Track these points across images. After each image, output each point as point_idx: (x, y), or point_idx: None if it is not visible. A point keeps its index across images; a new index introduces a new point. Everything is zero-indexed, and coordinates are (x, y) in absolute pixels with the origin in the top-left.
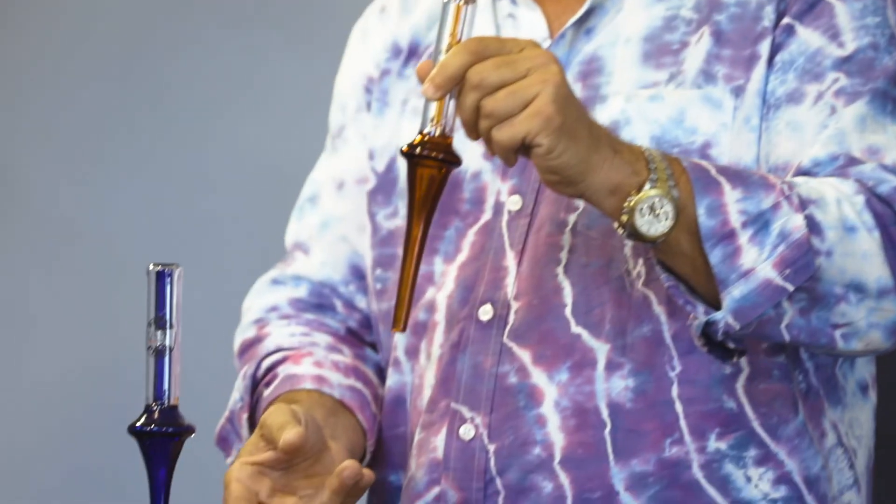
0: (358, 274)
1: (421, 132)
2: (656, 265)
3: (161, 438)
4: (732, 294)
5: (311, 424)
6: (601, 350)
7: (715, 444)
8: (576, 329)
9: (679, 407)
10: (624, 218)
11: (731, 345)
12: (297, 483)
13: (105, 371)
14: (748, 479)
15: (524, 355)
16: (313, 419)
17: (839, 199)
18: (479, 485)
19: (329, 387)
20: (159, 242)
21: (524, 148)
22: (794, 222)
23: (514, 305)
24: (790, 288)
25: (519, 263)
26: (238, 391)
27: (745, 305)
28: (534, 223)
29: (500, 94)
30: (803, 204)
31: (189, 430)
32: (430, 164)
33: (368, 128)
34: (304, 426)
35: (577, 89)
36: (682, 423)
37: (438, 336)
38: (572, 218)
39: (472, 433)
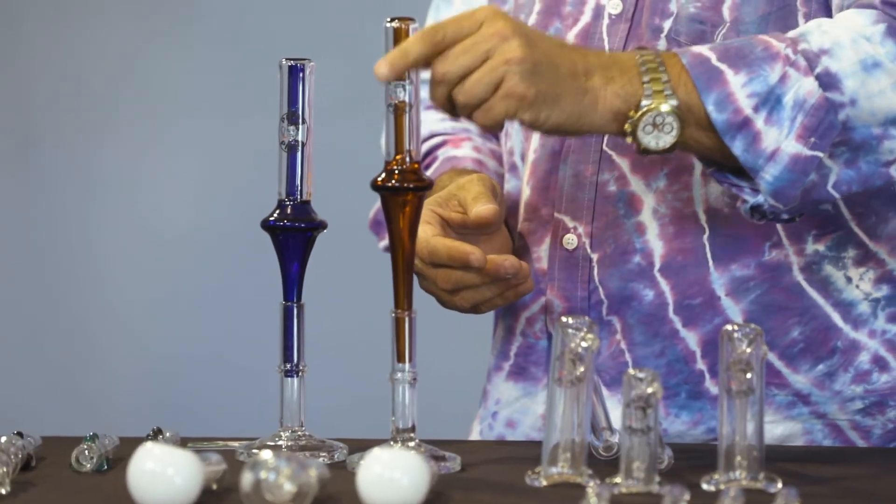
0: None
1: (387, 162)
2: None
3: (294, 233)
4: (765, 178)
5: (502, 203)
6: None
7: (813, 245)
8: None
9: None
10: (629, 140)
11: (786, 216)
12: None
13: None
14: (849, 280)
15: (623, 163)
16: (503, 199)
17: (854, 39)
18: (583, 294)
19: (487, 171)
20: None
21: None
22: (806, 87)
23: None
24: (820, 154)
25: None
26: None
27: (782, 185)
28: (633, 29)
29: (467, 84)
30: (812, 61)
31: (321, 225)
32: (403, 194)
33: None
34: (500, 204)
35: None
36: (779, 226)
37: (534, 141)
38: (667, 24)
39: (574, 243)
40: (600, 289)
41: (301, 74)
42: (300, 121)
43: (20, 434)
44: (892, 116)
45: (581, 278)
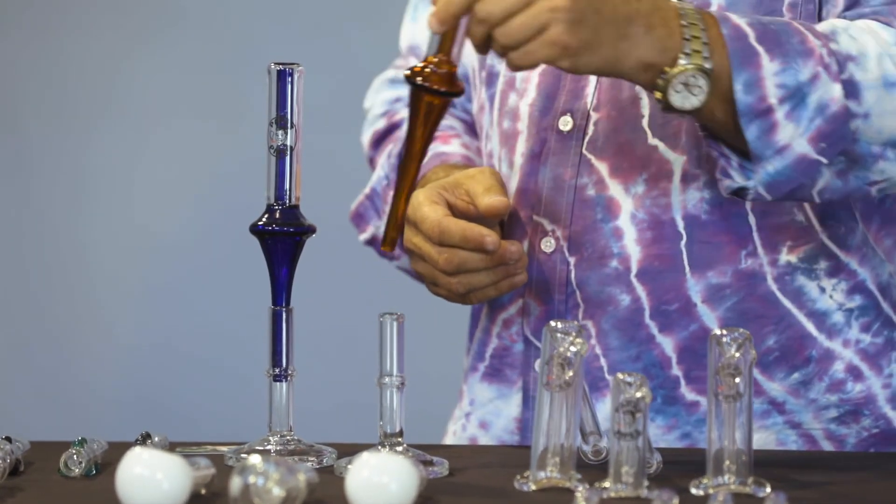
0: (467, 81)
1: (426, 58)
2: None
3: (283, 238)
4: (767, 169)
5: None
6: (677, 162)
7: (786, 256)
8: (652, 140)
9: (752, 219)
10: (658, 94)
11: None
12: None
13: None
14: (822, 290)
15: (602, 167)
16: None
17: (881, 54)
18: (560, 297)
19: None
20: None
21: None
22: (832, 93)
23: (594, 116)
24: (825, 161)
25: None
26: (382, 170)
27: (780, 180)
28: None
29: (510, 26)
30: (842, 66)
31: (310, 229)
32: (432, 94)
33: None
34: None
35: None
36: (756, 235)
37: (520, 145)
38: None
39: (552, 246)
40: (577, 292)
41: (290, 79)
42: (289, 125)
43: (8, 439)
44: (894, 139)
45: (558, 281)
